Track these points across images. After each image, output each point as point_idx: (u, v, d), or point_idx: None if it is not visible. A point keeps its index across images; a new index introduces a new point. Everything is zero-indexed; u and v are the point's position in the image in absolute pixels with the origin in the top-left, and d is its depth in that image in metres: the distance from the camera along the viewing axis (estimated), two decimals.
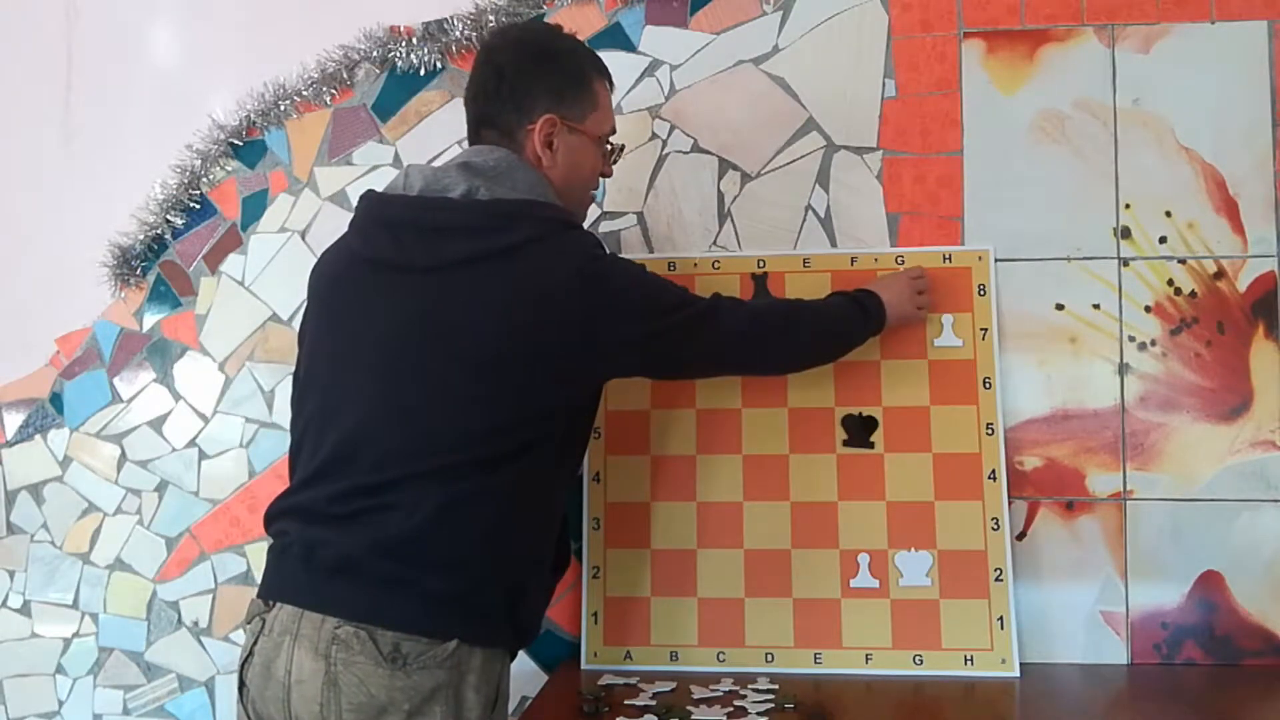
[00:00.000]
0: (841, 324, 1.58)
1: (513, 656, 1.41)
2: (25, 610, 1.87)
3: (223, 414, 1.85)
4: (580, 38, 1.80)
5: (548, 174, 1.42)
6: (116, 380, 1.88)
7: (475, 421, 1.29)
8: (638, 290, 1.38)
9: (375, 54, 1.83)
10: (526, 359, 1.30)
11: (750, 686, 1.54)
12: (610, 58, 1.79)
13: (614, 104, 1.55)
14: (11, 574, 1.88)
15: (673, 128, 1.80)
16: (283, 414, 1.77)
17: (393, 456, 1.28)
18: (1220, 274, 1.72)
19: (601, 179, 1.54)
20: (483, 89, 1.43)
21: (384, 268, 1.34)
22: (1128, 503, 1.70)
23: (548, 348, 1.30)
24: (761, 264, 1.76)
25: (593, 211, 1.80)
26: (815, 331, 1.56)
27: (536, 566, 1.39)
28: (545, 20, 1.81)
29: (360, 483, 1.28)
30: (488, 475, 1.29)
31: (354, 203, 1.84)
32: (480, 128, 1.44)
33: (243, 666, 1.32)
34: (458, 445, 1.28)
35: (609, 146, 1.52)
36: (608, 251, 1.42)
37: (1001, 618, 1.63)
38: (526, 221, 1.34)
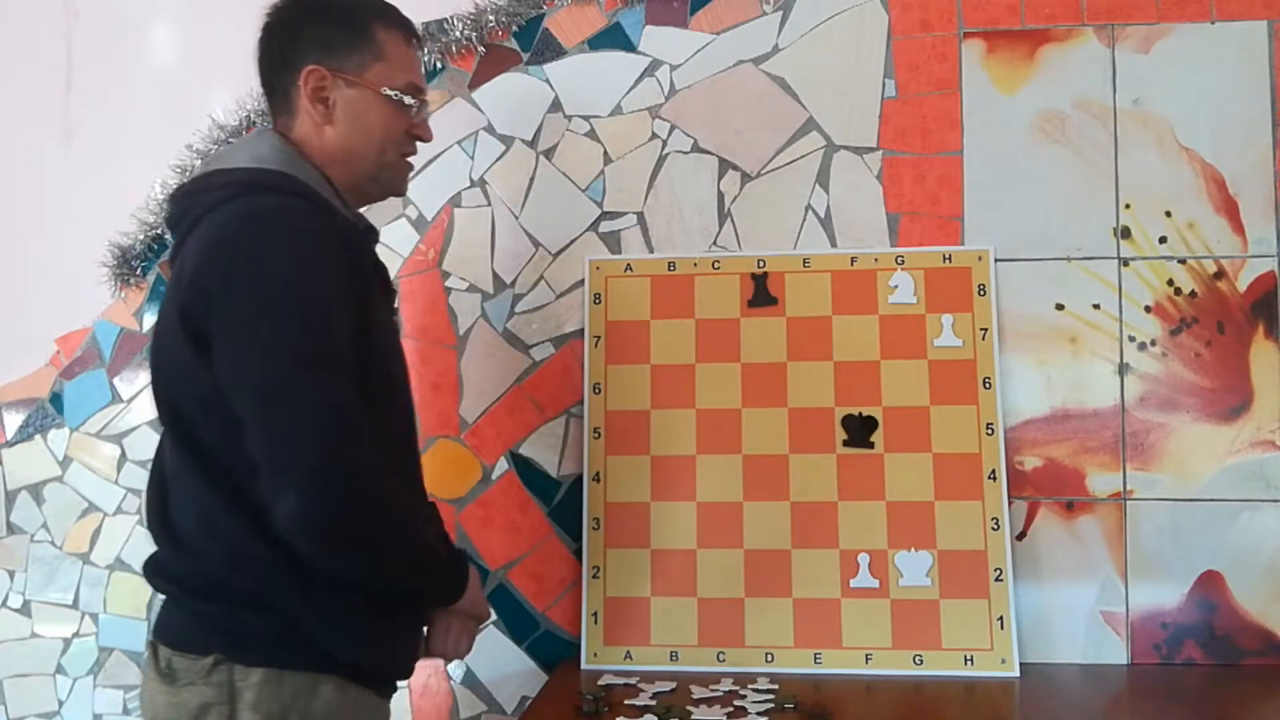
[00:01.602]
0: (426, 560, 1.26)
1: (381, 694, 1.28)
2: (25, 610, 1.87)
3: None
4: (580, 38, 1.81)
5: (327, 137, 1.30)
6: (116, 380, 1.88)
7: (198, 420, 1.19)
8: (274, 303, 1.14)
9: None
10: (194, 347, 1.17)
11: (750, 686, 1.54)
12: (610, 58, 1.80)
13: (418, 56, 1.39)
14: (11, 574, 1.87)
15: (673, 128, 1.80)
16: None
17: (170, 466, 1.24)
18: (1220, 274, 1.72)
19: (417, 143, 1.39)
20: (260, 53, 1.33)
21: None
22: (1128, 503, 1.70)
23: (194, 332, 1.17)
24: (761, 264, 1.76)
25: (593, 211, 1.80)
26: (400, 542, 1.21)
27: (301, 581, 1.17)
28: (544, 20, 1.82)
29: (166, 494, 1.25)
30: (208, 476, 1.19)
31: None
32: (269, 103, 1.34)
33: None
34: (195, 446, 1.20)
35: (408, 103, 1.33)
36: (288, 231, 1.17)
37: (1001, 618, 1.63)
38: (206, 194, 1.23)
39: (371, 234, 1.37)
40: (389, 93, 1.31)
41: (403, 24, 1.35)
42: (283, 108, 1.33)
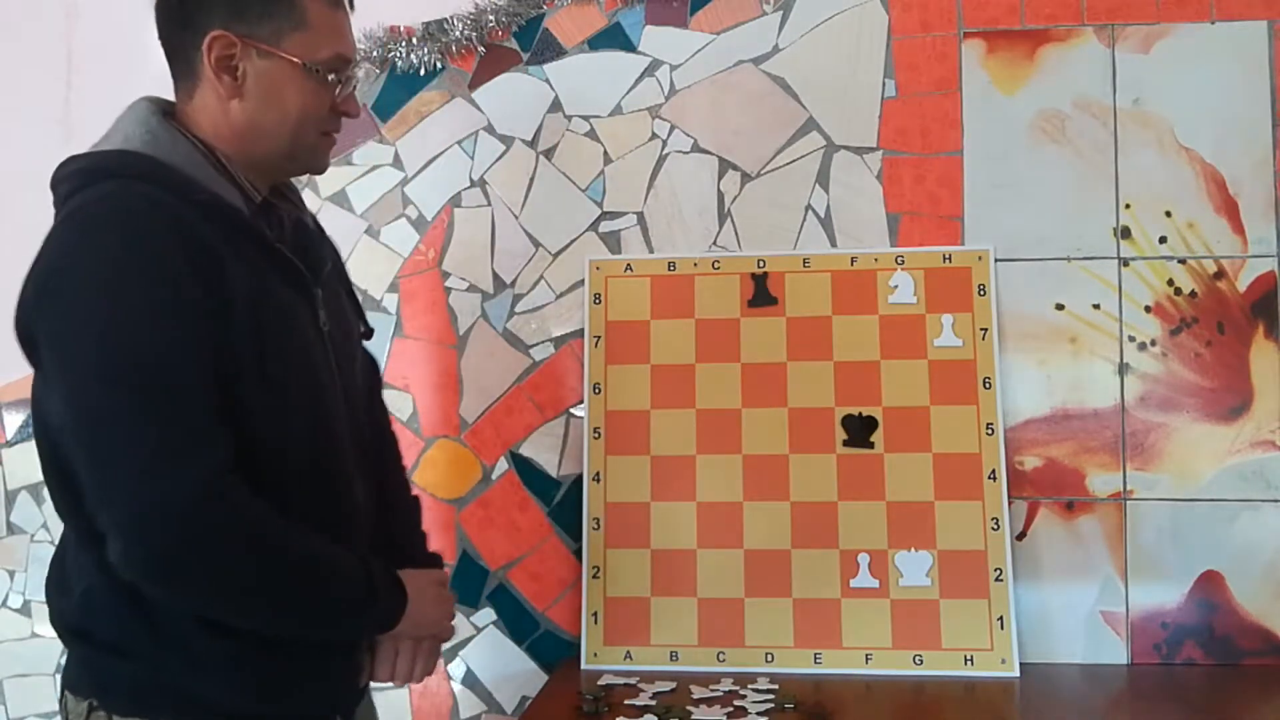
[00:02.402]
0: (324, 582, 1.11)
1: None
2: (25, 610, 1.87)
3: None
4: (580, 38, 1.81)
5: (233, 111, 1.15)
6: None
7: None
8: (91, 322, 1.02)
9: (375, 54, 1.83)
10: (37, 368, 1.09)
11: (750, 686, 1.54)
12: (610, 58, 1.80)
13: (346, 20, 1.22)
14: (11, 574, 1.87)
15: (673, 128, 1.80)
16: None
17: None
18: (1220, 274, 1.71)
19: (341, 119, 1.22)
20: (159, 6, 1.17)
21: None
22: (1128, 503, 1.70)
23: (31, 353, 1.08)
24: (761, 264, 1.76)
25: (593, 211, 1.80)
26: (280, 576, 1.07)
27: (155, 624, 1.08)
28: (544, 20, 1.82)
29: None
30: (67, 508, 1.11)
31: (354, 202, 1.85)
32: (169, 63, 1.18)
33: None
34: None
35: (331, 79, 1.17)
36: (140, 232, 1.04)
37: (1001, 618, 1.63)
38: (61, 186, 1.12)
39: (271, 212, 1.20)
40: (310, 66, 1.15)
41: None
42: (183, 72, 1.16)
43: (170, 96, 1.20)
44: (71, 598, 1.11)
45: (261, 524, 1.05)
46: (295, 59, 1.14)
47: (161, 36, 1.18)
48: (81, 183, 1.08)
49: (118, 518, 0.99)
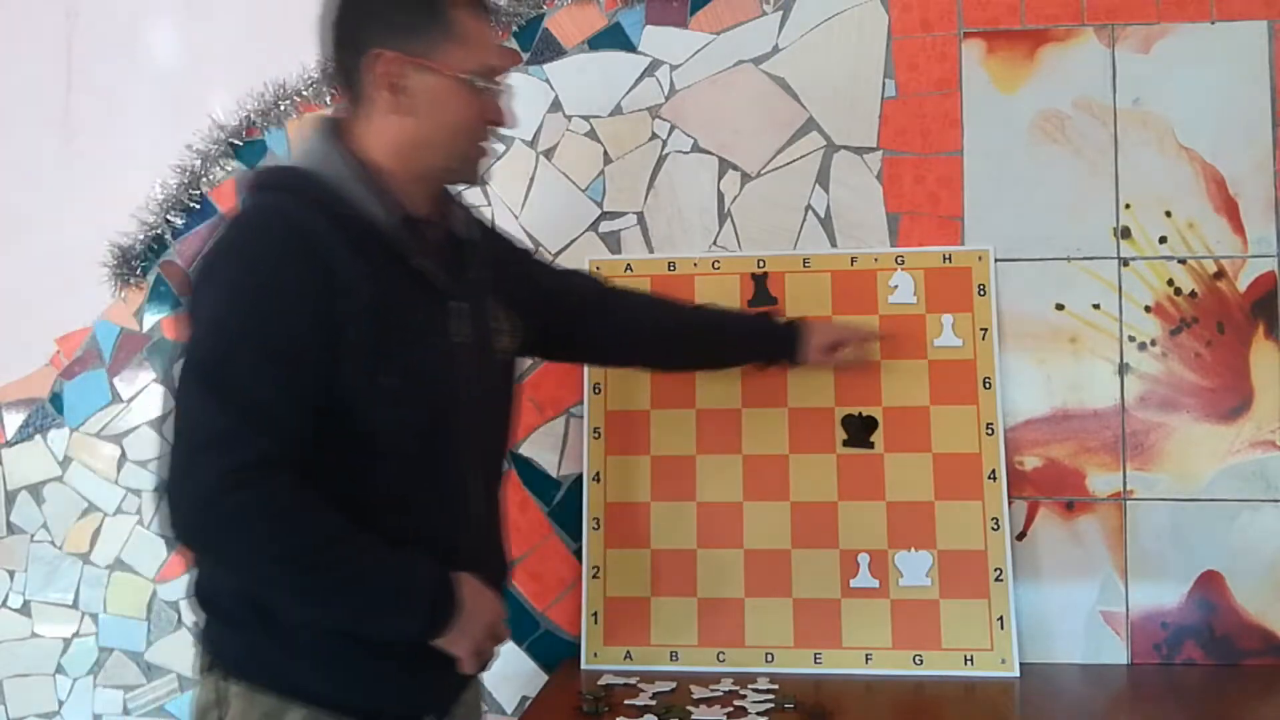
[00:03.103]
0: (362, 584, 1.13)
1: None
2: (25, 610, 1.87)
3: None
4: (580, 38, 1.81)
5: (396, 126, 1.20)
6: (116, 380, 1.88)
7: None
8: (209, 308, 1.12)
9: None
10: None
11: (750, 686, 1.54)
12: (610, 58, 1.80)
13: (493, 34, 1.29)
14: (11, 574, 1.87)
15: (673, 128, 1.80)
16: None
17: None
18: (1220, 274, 1.71)
19: (495, 129, 1.26)
20: (321, 30, 1.23)
21: None
22: (1128, 503, 1.70)
23: None
24: (761, 264, 1.76)
25: (593, 211, 1.80)
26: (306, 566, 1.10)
27: (255, 609, 1.15)
28: (544, 20, 1.82)
29: None
30: None
31: None
32: (334, 85, 1.27)
33: None
34: None
35: (486, 88, 1.22)
36: (271, 241, 1.13)
37: (1001, 618, 1.63)
38: (242, 190, 1.23)
39: (416, 226, 1.22)
40: (465, 77, 1.20)
41: (477, 1, 1.24)
42: (347, 92, 1.22)
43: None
44: (204, 567, 1.21)
45: (280, 519, 1.08)
46: (449, 71, 1.19)
47: (325, 60, 1.25)
48: (249, 191, 1.21)
49: (163, 491, 1.09)
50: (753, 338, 1.63)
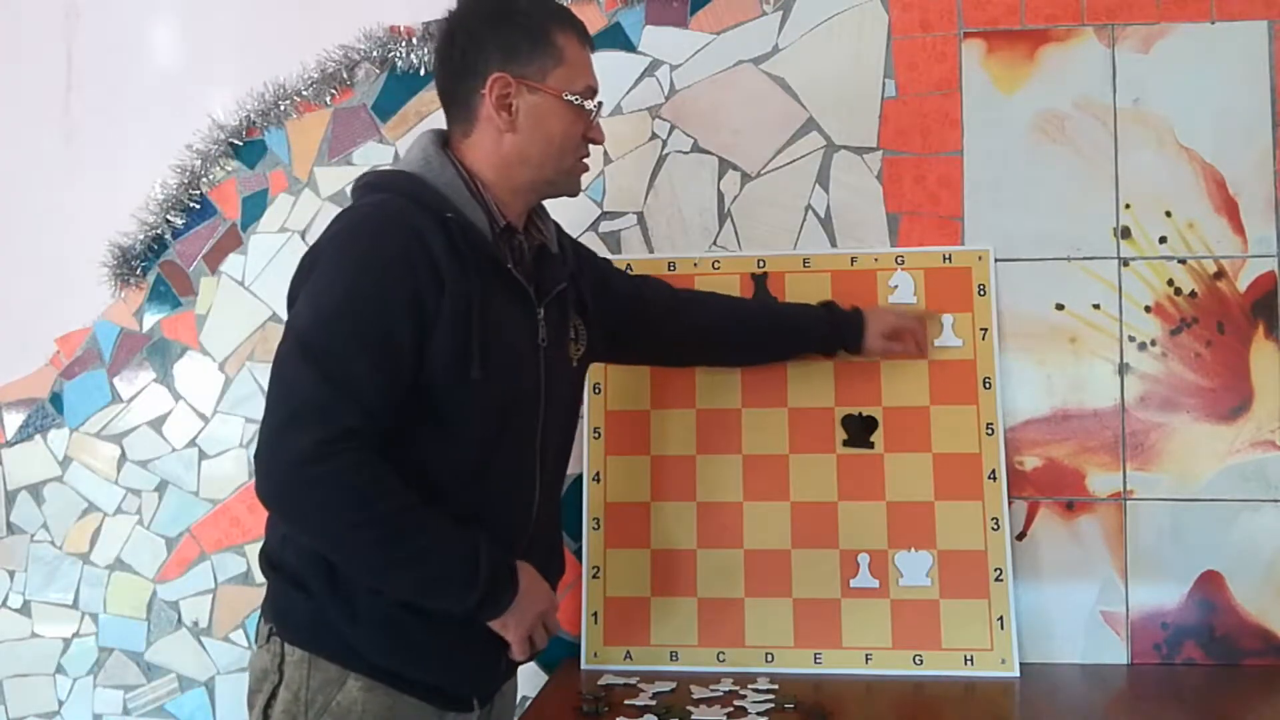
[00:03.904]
0: (430, 555, 1.19)
1: (436, 706, 1.27)
2: (25, 610, 1.87)
3: (223, 414, 1.85)
4: None
5: (507, 144, 1.30)
6: (116, 380, 1.88)
7: None
8: (315, 291, 1.21)
9: (375, 54, 1.83)
10: None
11: (750, 686, 1.54)
12: (610, 58, 1.80)
13: (591, 58, 1.36)
14: (11, 574, 1.87)
15: (673, 128, 1.80)
16: None
17: None
18: (1220, 274, 1.71)
19: (591, 144, 1.38)
20: (439, 59, 1.35)
21: None
22: (1128, 503, 1.70)
23: None
24: (761, 264, 1.76)
25: (593, 211, 1.80)
26: (376, 540, 1.18)
27: (332, 571, 1.22)
28: None
29: None
30: None
31: None
32: (445, 107, 1.35)
33: None
34: None
35: (586, 106, 1.34)
36: (380, 236, 1.22)
37: (1001, 618, 1.63)
38: (356, 191, 1.33)
39: (512, 236, 1.33)
40: (570, 97, 1.31)
41: (577, 26, 1.35)
42: (461, 114, 1.32)
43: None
44: (276, 532, 1.30)
45: (363, 490, 1.16)
46: (558, 92, 1.30)
47: (441, 87, 1.35)
48: (364, 190, 1.30)
49: (256, 457, 1.18)
50: (817, 329, 1.65)
